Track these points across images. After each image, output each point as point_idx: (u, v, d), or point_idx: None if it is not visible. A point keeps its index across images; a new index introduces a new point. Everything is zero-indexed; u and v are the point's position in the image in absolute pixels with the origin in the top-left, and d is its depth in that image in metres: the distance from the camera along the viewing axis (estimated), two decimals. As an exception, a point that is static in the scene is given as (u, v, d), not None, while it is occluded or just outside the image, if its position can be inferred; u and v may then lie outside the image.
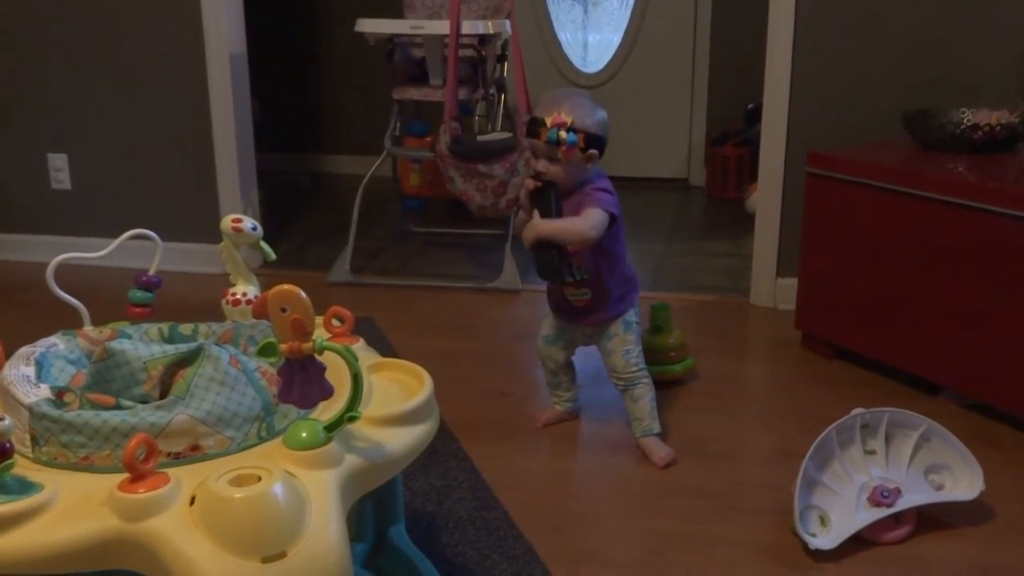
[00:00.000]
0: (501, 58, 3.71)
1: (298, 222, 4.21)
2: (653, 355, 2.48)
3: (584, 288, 2.08)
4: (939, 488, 1.86)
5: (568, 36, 5.01)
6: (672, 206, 4.60)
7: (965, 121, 2.49)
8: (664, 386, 2.48)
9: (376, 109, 4.04)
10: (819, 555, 1.73)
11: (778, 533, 1.82)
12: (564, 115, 1.96)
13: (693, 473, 2.07)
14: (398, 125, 3.54)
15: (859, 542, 1.76)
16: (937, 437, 1.87)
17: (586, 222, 1.96)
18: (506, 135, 3.26)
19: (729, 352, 2.78)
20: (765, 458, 2.17)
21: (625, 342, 2.12)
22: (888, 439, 1.88)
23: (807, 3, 2.85)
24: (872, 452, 1.86)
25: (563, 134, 1.94)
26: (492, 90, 3.61)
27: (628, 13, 4.90)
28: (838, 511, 1.79)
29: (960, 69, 2.80)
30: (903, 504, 1.78)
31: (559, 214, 1.99)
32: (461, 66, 3.31)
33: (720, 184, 4.62)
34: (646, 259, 3.65)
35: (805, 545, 1.74)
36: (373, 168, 3.46)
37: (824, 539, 1.75)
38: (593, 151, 1.99)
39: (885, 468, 1.85)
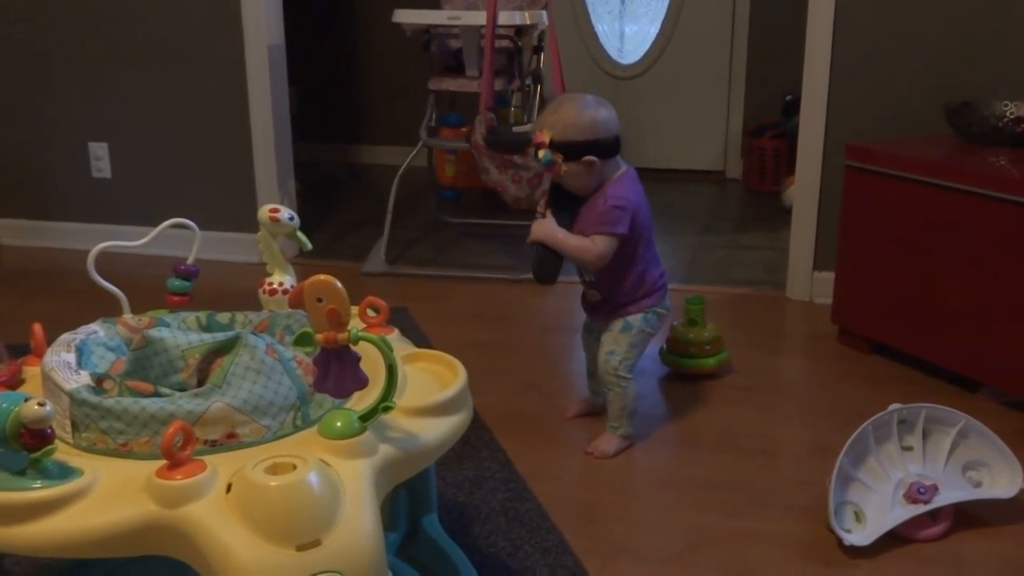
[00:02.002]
0: (537, 49, 3.70)
1: (334, 212, 4.23)
2: (687, 348, 2.48)
3: (593, 290, 2.10)
4: (977, 485, 1.83)
5: (605, 27, 4.99)
6: (708, 198, 4.57)
7: (1008, 114, 2.45)
8: (698, 380, 2.47)
9: (412, 100, 4.04)
10: (854, 551, 1.72)
11: (813, 529, 1.81)
12: (545, 132, 1.95)
13: (727, 467, 2.06)
14: (434, 116, 3.55)
15: (895, 539, 1.75)
16: (975, 434, 1.85)
17: (592, 252, 1.97)
18: (542, 126, 3.25)
19: (764, 346, 2.75)
20: (800, 453, 2.15)
21: (616, 342, 2.07)
22: (925, 435, 1.86)
23: (847, -7, 2.82)
24: (909, 448, 1.84)
25: (540, 155, 1.94)
26: (528, 81, 3.60)
27: (665, 3, 4.86)
28: (874, 507, 1.77)
29: (1003, 61, 2.75)
30: (940, 501, 1.76)
31: (572, 217, 2.00)
32: (497, 57, 3.31)
33: (757, 177, 4.58)
34: (681, 251, 3.63)
35: (840, 541, 1.72)
36: (409, 159, 3.47)
37: (859, 535, 1.73)
38: (589, 158, 1.96)
39: (922, 464, 1.83)
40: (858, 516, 1.77)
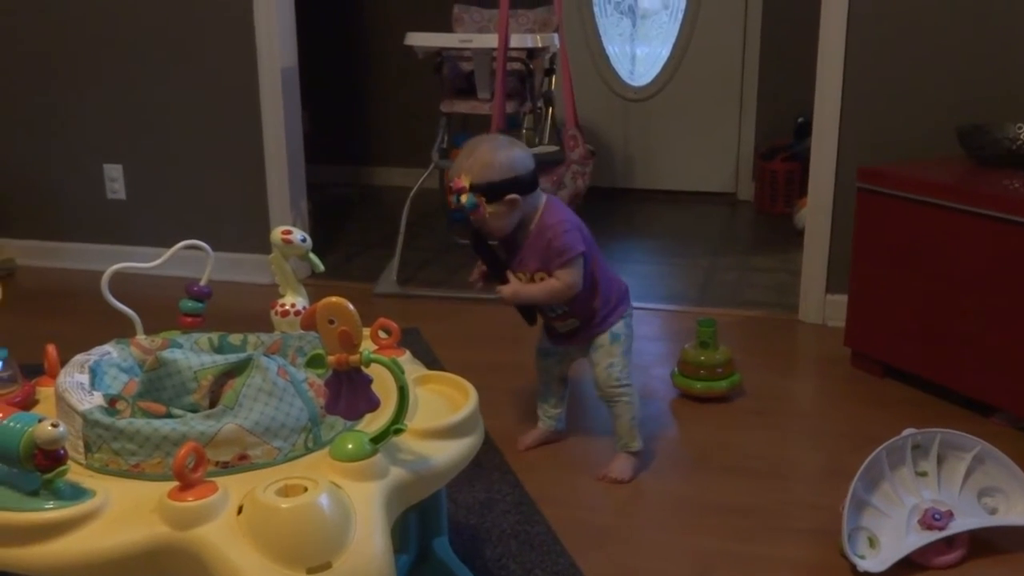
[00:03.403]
0: (549, 71, 3.72)
1: (346, 233, 4.24)
2: (699, 371, 2.47)
3: (571, 319, 2.09)
4: (993, 512, 1.82)
5: (616, 49, 5.01)
6: (719, 220, 4.57)
7: (1021, 136, 2.45)
8: (710, 402, 2.46)
9: (424, 122, 4.07)
10: (868, 577, 1.71)
11: (826, 554, 1.79)
12: (463, 178, 1.95)
13: (739, 491, 2.05)
14: (446, 138, 3.57)
15: (909, 565, 1.73)
16: (991, 459, 1.83)
17: (563, 288, 1.99)
18: (553, 148, 3.27)
19: (776, 369, 2.74)
20: (813, 477, 2.14)
21: (610, 354, 2.08)
22: (940, 461, 1.84)
23: (859, 16, 2.82)
24: (924, 474, 1.83)
25: (463, 199, 1.94)
26: (540, 103, 3.63)
27: (677, 26, 4.88)
28: (888, 533, 1.76)
29: (1016, 83, 2.75)
30: (955, 528, 1.75)
31: (502, 264, 2.03)
32: (509, 80, 3.33)
33: (768, 199, 4.58)
34: (692, 273, 3.63)
35: (854, 567, 1.71)
36: (421, 181, 3.49)
37: (873, 561, 1.72)
38: (511, 196, 1.95)
39: (937, 490, 1.81)
40: (872, 542, 1.76)
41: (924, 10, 2.78)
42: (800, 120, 4.37)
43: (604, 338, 2.08)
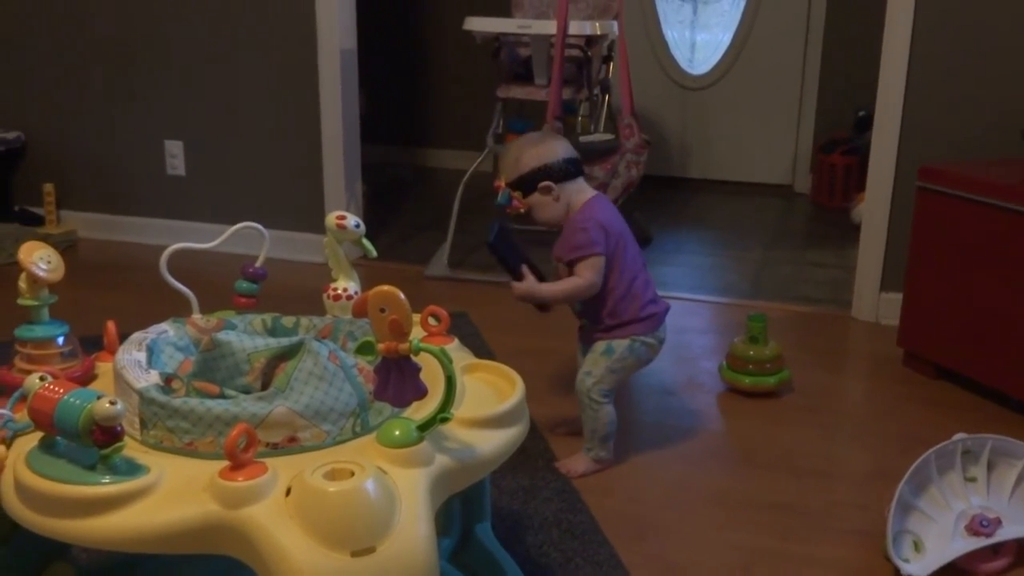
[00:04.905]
0: (607, 59, 3.70)
1: (399, 215, 4.27)
2: (747, 365, 2.45)
3: (583, 317, 2.11)
4: (1043, 521, 1.79)
5: (676, 35, 4.96)
6: (775, 213, 4.52)
7: (1090, 138, 2.39)
8: (757, 398, 2.45)
9: (480, 106, 4.07)
10: (911, 582, 1.69)
11: (869, 556, 1.78)
12: (500, 178, 2.05)
13: (784, 489, 2.04)
14: (501, 123, 3.57)
15: (954, 571, 1.71)
16: (1043, 468, 1.80)
17: (581, 285, 2.00)
18: (608, 137, 3.26)
19: (827, 366, 2.72)
20: (859, 477, 2.12)
21: (594, 364, 2.05)
22: (990, 467, 1.82)
23: (925, 9, 2.76)
24: (973, 479, 1.81)
25: (499, 197, 2.03)
26: (596, 91, 3.61)
27: (739, 13, 4.82)
28: (933, 538, 1.74)
29: (1087, 83, 2.68)
30: (1003, 535, 1.72)
31: (519, 259, 2.04)
32: (566, 66, 3.32)
33: (826, 192, 4.52)
34: (746, 266, 3.60)
35: (897, 571, 1.70)
36: (475, 164, 3.50)
37: (917, 565, 1.70)
38: (545, 183, 2.00)
39: (986, 497, 1.79)
40: (917, 546, 1.74)
41: (993, 6, 2.72)
42: (861, 113, 4.30)
43: (599, 346, 2.06)
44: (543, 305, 2.09)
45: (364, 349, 1.15)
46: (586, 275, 2.00)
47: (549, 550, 1.78)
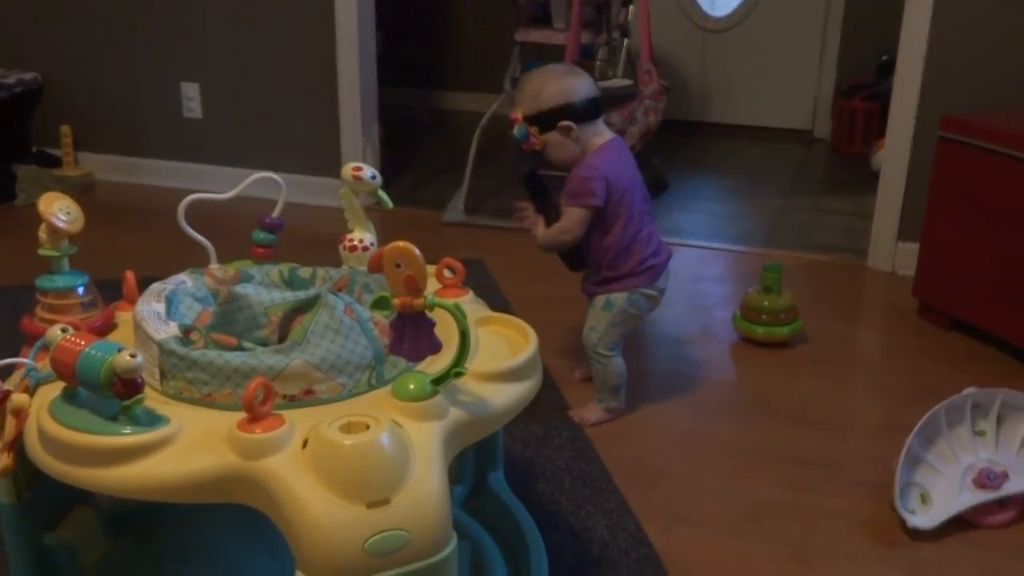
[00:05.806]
0: (627, 2, 3.65)
1: (416, 159, 4.26)
2: (760, 315, 2.46)
3: (589, 268, 2.10)
4: (1051, 475, 1.81)
5: (697, -23, 4.87)
6: (794, 159, 4.48)
7: (1116, 89, 2.35)
8: (770, 348, 2.46)
9: (498, 48, 4.03)
10: (917, 534, 1.72)
11: (877, 507, 1.81)
12: (516, 110, 1.96)
13: (795, 439, 2.06)
14: (519, 67, 3.54)
15: (960, 524, 1.74)
16: (1053, 422, 1.81)
17: (564, 231, 1.98)
18: (627, 82, 3.23)
19: (841, 316, 2.72)
20: (870, 429, 2.14)
21: (596, 319, 2.05)
22: (1000, 421, 1.83)
23: (952, -45, 2.71)
24: (981, 433, 1.82)
25: (515, 131, 1.94)
26: (615, 34, 3.57)
27: (762, -45, 4.72)
28: (940, 491, 1.76)
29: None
30: (1010, 489, 1.74)
31: (547, 200, 2.02)
32: (585, 9, 3.28)
33: (846, 138, 4.47)
34: (763, 213, 3.58)
35: (903, 522, 1.72)
36: (493, 108, 3.47)
37: (923, 518, 1.73)
38: (565, 123, 1.93)
39: (994, 450, 1.80)
40: (924, 498, 1.77)
41: (1022, -50, 2.66)
42: (884, 58, 4.22)
43: (599, 300, 2.05)
44: (567, 259, 2.07)
45: (380, 304, 1.16)
46: (565, 221, 1.98)
47: (560, 498, 1.81)
